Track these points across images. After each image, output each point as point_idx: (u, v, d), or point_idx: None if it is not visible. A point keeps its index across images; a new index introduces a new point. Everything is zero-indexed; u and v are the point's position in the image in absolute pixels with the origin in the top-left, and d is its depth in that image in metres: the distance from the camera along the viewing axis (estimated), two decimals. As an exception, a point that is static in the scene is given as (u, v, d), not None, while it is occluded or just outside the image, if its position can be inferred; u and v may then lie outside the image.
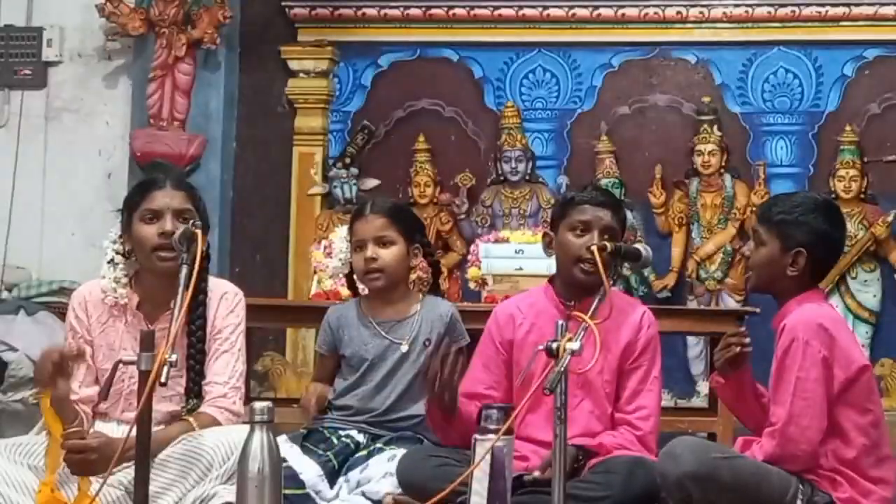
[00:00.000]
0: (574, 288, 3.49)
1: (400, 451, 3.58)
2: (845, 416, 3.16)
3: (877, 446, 3.19)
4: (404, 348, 3.77)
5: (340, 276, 4.73)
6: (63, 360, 3.11)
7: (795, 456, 3.12)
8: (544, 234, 3.65)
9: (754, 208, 6.47)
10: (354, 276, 3.96)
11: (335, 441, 3.68)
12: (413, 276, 4.05)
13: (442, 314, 3.81)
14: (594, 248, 3.24)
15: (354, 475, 3.58)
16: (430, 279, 4.01)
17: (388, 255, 3.77)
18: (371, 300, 3.87)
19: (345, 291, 4.11)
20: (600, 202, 3.49)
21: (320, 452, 3.63)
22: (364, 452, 3.64)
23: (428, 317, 3.80)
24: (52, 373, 3.10)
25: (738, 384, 3.34)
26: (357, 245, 3.83)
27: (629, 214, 6.69)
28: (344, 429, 3.72)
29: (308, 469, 3.55)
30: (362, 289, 3.98)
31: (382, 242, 3.77)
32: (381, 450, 3.64)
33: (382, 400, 3.75)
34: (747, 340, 3.29)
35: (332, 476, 3.60)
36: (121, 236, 3.39)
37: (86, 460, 3.04)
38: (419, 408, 3.69)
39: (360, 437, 3.70)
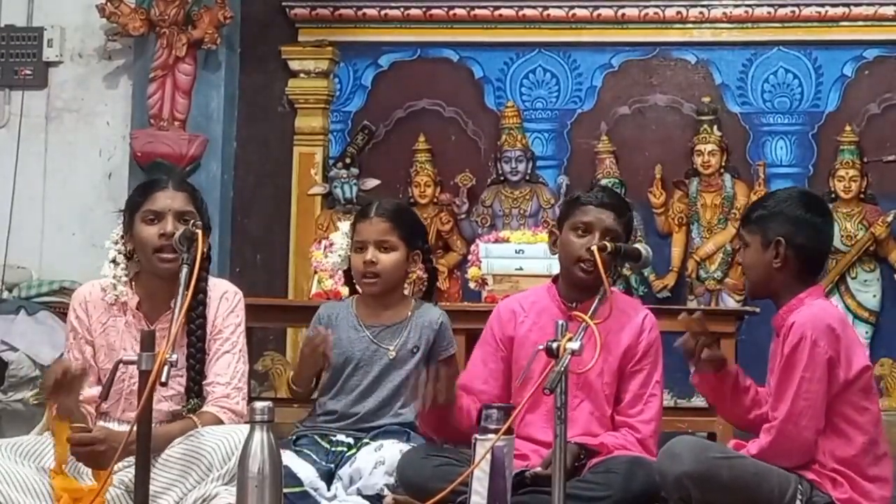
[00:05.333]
0: (576, 288, 3.50)
1: (387, 442, 3.58)
2: (842, 415, 3.17)
3: (874, 444, 3.20)
4: (392, 355, 3.76)
5: (339, 272, 4.71)
6: (66, 377, 3.11)
7: (790, 451, 3.14)
8: (550, 233, 3.67)
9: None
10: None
11: (327, 445, 3.67)
12: (413, 276, 4.04)
13: (432, 321, 3.79)
14: (594, 248, 3.25)
15: (345, 471, 3.58)
16: (424, 285, 3.99)
17: (387, 260, 3.75)
18: (365, 302, 3.86)
19: (345, 291, 4.09)
20: (604, 204, 3.49)
21: (315, 458, 3.62)
22: (353, 451, 3.64)
23: (418, 323, 3.78)
24: (55, 388, 3.11)
25: (718, 380, 3.31)
26: (358, 246, 3.80)
27: (629, 215, 6.71)
28: (332, 434, 3.71)
29: (304, 468, 3.55)
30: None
31: (383, 247, 3.75)
32: (367, 444, 3.63)
33: (367, 405, 3.73)
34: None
35: (327, 478, 3.60)
36: (123, 237, 3.40)
37: (94, 452, 3.04)
38: (403, 415, 3.70)
39: (349, 440, 3.69)
